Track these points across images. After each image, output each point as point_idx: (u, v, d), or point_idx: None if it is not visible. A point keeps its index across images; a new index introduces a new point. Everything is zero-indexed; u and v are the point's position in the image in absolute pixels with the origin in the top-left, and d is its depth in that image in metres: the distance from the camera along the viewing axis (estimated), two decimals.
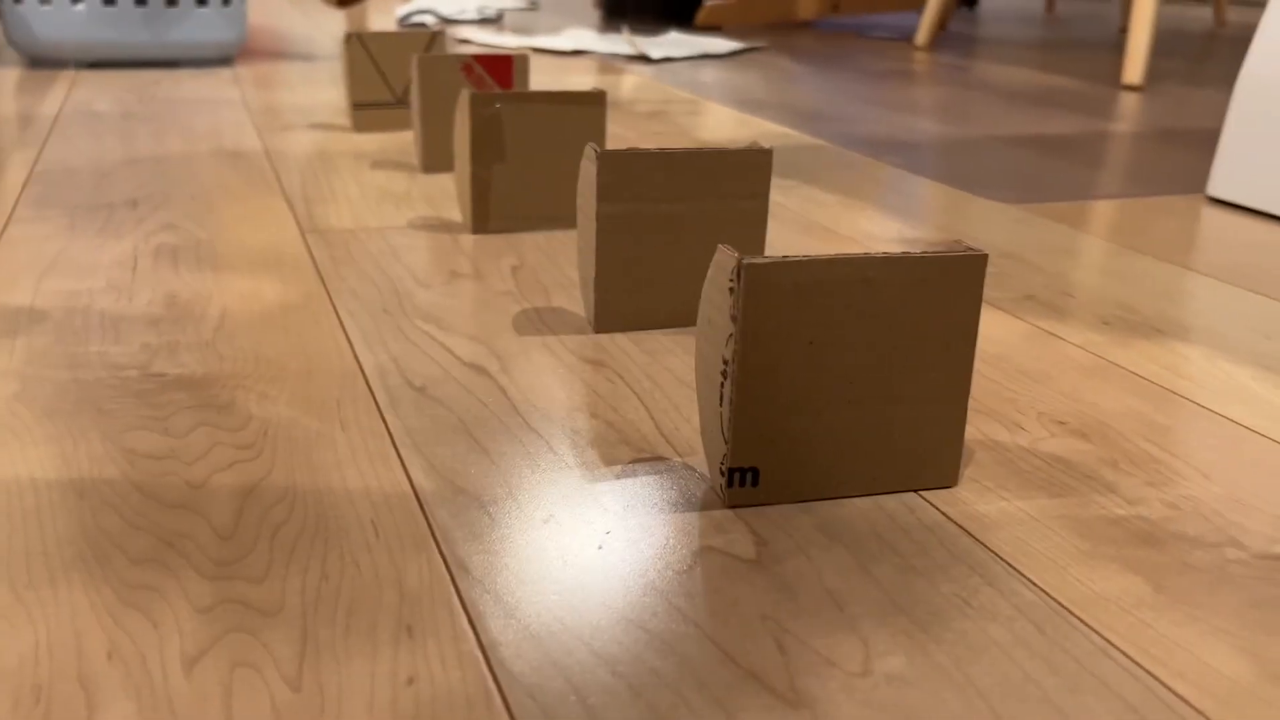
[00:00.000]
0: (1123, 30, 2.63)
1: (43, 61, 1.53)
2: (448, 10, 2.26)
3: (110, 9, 1.49)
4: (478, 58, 0.97)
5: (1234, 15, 3.27)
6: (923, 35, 2.08)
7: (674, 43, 1.97)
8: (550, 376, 0.56)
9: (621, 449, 0.48)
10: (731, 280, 0.41)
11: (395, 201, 0.88)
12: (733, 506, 0.44)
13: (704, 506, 0.44)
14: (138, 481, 0.44)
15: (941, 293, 0.43)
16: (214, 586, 0.38)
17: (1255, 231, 0.88)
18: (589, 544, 0.41)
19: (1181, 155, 1.17)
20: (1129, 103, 1.52)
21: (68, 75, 1.46)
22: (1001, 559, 0.41)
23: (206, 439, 0.48)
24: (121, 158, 0.99)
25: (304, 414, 0.51)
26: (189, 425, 0.49)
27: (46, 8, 1.47)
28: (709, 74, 1.66)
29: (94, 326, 0.60)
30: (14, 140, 1.05)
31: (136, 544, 0.40)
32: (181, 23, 1.53)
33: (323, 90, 1.40)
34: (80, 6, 1.48)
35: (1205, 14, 3.31)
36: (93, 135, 1.08)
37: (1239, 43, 2.44)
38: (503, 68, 0.99)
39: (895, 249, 0.80)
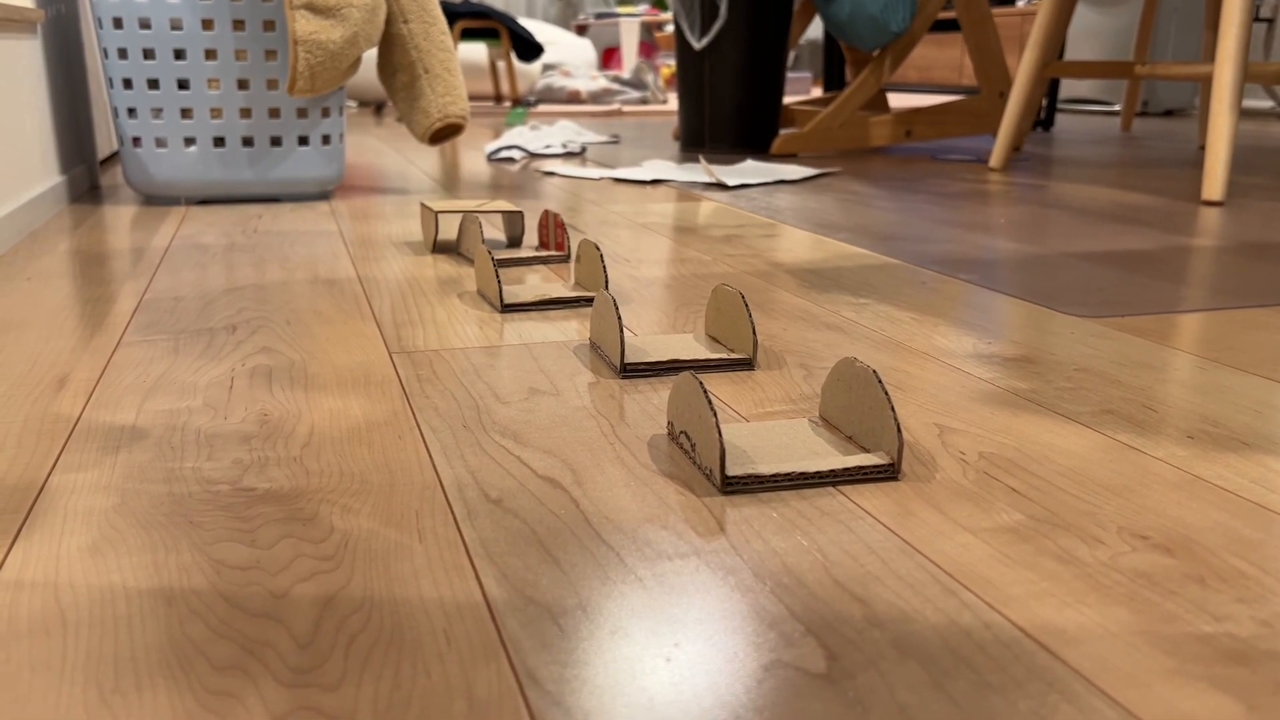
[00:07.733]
0: (1201, 147, 2.62)
1: (157, 199, 1.64)
2: (534, 145, 2.36)
3: (220, 150, 1.60)
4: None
5: None
6: (997, 157, 2.10)
7: (750, 170, 2.02)
8: (622, 489, 0.56)
9: (692, 560, 0.49)
10: None
11: (479, 324, 0.91)
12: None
13: (774, 620, 0.44)
14: (224, 591, 0.46)
15: None
16: (290, 694, 0.39)
17: None
18: (657, 656, 0.41)
19: (1267, 269, 1.15)
20: (1210, 218, 1.51)
21: (178, 211, 1.55)
22: (1081, 675, 0.40)
23: (290, 550, 0.50)
24: (224, 286, 1.05)
25: (384, 526, 0.52)
26: (274, 537, 0.51)
27: (162, 150, 1.58)
28: (784, 199, 1.70)
29: (190, 443, 0.63)
30: (127, 271, 1.12)
31: (220, 651, 0.41)
32: (285, 161, 1.63)
33: (415, 222, 1.47)
34: (193, 148, 1.59)
35: None
36: (198, 266, 1.15)
37: None
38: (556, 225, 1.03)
39: (969, 363, 0.79)
